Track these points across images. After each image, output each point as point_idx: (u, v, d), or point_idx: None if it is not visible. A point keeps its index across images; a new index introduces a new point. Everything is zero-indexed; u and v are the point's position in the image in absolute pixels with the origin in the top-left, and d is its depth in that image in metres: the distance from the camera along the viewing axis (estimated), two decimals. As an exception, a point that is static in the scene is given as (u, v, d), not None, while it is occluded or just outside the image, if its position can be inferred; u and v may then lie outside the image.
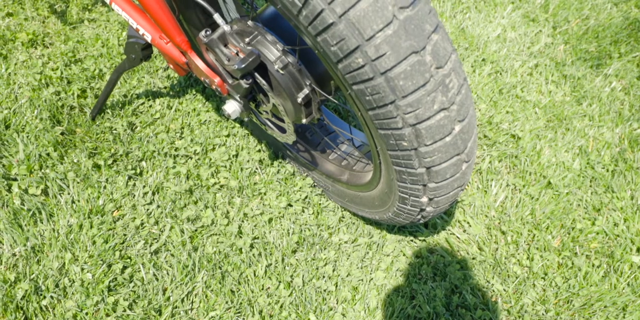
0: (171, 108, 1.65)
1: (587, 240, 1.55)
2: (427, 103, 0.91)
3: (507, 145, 1.71)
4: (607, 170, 1.71)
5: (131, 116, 1.62)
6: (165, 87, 1.69)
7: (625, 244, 1.54)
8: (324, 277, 1.40)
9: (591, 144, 1.76)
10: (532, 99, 1.84)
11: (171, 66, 1.33)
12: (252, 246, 1.42)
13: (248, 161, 1.57)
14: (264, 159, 1.58)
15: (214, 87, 1.21)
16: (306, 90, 1.14)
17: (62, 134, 1.54)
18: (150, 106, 1.65)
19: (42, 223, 1.39)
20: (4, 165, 1.47)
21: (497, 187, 1.61)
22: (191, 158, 1.56)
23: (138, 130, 1.60)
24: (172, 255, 1.39)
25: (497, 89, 1.84)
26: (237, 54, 1.10)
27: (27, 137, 1.52)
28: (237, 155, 1.58)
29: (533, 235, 1.53)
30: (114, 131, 1.58)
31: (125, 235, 1.40)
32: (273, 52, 1.11)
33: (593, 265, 1.50)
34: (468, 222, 1.54)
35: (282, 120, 1.26)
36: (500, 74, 1.90)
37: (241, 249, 1.41)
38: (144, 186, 1.49)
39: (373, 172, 1.22)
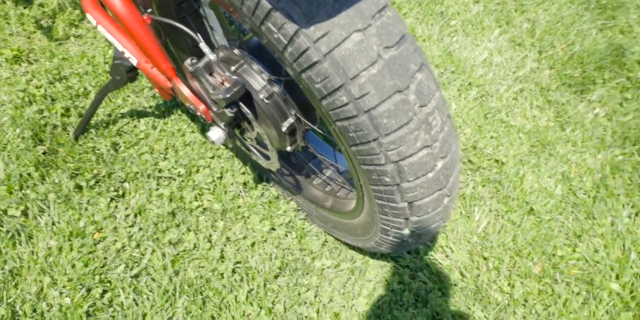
0: (156, 128, 1.64)
1: (568, 266, 1.56)
2: (410, 141, 0.91)
3: (491, 171, 1.72)
4: (589, 197, 1.72)
5: (115, 136, 1.61)
6: (150, 107, 1.69)
7: (605, 271, 1.55)
8: (305, 303, 1.39)
9: (573, 170, 1.77)
10: (516, 124, 1.85)
11: (156, 90, 1.33)
12: (234, 271, 1.42)
13: (232, 184, 1.57)
14: (248, 181, 1.58)
15: (198, 113, 1.20)
16: (291, 120, 1.14)
17: (44, 153, 1.53)
18: (135, 126, 1.64)
19: (21, 245, 1.38)
20: (-17, 185, 1.45)
21: (480, 213, 1.62)
22: (175, 180, 1.55)
23: (122, 151, 1.59)
24: (153, 279, 1.37)
25: (482, 113, 1.85)
26: (222, 83, 1.09)
27: (8, 156, 1.50)
28: (221, 178, 1.57)
29: (514, 261, 1.54)
30: (97, 151, 1.57)
31: (105, 258, 1.39)
32: (259, 81, 1.11)
33: (573, 292, 1.51)
34: (450, 248, 1.54)
35: (267, 148, 1.25)
36: (486, 98, 1.92)
37: (223, 274, 1.40)
38: (126, 208, 1.48)
39: (356, 202, 1.22)
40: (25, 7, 1.85)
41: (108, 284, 1.35)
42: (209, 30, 1.40)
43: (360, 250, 1.51)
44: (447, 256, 1.54)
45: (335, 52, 0.82)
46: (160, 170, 1.57)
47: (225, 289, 1.38)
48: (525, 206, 1.65)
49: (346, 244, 1.51)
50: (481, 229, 1.59)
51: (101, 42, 1.81)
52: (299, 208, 1.54)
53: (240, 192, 1.56)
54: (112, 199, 1.49)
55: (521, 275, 1.52)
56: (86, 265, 1.36)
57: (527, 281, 1.51)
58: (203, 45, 1.09)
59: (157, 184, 1.53)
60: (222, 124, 1.18)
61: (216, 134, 1.20)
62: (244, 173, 1.60)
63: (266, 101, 1.10)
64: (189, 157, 1.59)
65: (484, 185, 1.69)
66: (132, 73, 1.38)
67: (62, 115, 1.61)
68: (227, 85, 1.08)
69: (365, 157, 0.95)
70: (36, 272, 1.34)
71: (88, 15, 1.26)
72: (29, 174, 1.49)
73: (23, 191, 1.46)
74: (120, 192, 1.51)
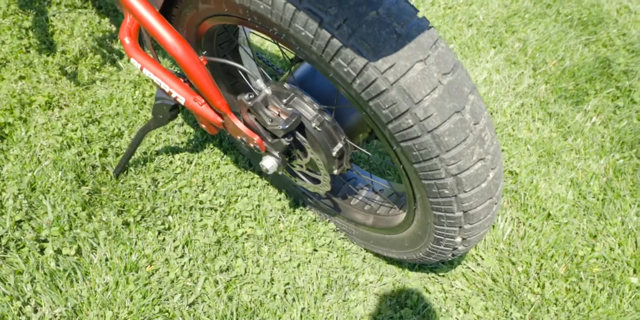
0: (191, 163, 1.72)
1: (589, 265, 1.67)
2: (468, 155, 1.02)
3: (507, 181, 1.84)
4: (598, 199, 1.85)
5: (153, 172, 1.68)
6: (182, 143, 1.77)
7: (623, 267, 1.67)
8: (356, 317, 1.47)
9: (580, 176, 1.90)
10: (523, 136, 1.99)
11: (203, 126, 1.41)
12: (285, 292, 1.49)
13: (271, 210, 1.65)
14: (285, 207, 1.66)
15: (252, 145, 1.29)
16: (340, 144, 1.24)
17: (88, 193, 1.59)
18: (171, 162, 1.71)
19: (78, 282, 1.43)
20: (33, 228, 1.50)
21: (503, 222, 1.73)
22: (216, 210, 1.63)
23: (161, 186, 1.66)
24: (209, 306, 1.44)
25: (490, 128, 1.99)
26: (278, 115, 1.19)
27: (54, 198, 1.56)
28: (259, 206, 1.65)
29: (541, 264, 1.65)
30: (139, 188, 1.64)
31: (161, 289, 1.45)
32: (310, 111, 1.21)
33: (597, 289, 1.62)
34: (481, 256, 1.64)
35: (315, 173, 1.34)
36: (492, 114, 2.05)
37: (275, 295, 1.47)
38: (174, 240, 1.54)
39: (405, 216, 1.31)
40: (48, 55, 1.92)
41: (167, 314, 1.41)
42: (251, 69, 1.50)
43: (398, 263, 1.59)
44: (478, 264, 1.63)
45: (401, 81, 0.93)
46: (201, 202, 1.64)
47: (279, 309, 1.45)
48: (542, 212, 1.77)
49: (384, 258, 1.60)
50: (506, 236, 1.70)
51: (126, 84, 1.89)
52: (338, 228, 1.63)
53: (280, 217, 1.64)
54: (159, 232, 1.55)
55: (549, 277, 1.62)
56: (144, 297, 1.42)
57: (555, 281, 1.61)
58: (259, 82, 1.19)
59: (201, 215, 1.61)
60: (276, 153, 1.27)
61: (270, 162, 1.29)
62: (279, 199, 1.68)
63: (318, 129, 1.20)
64: (227, 188, 1.67)
65: (502, 195, 1.81)
66: (174, 111, 1.46)
67: (101, 155, 1.68)
68: (283, 116, 1.18)
69: (427, 172, 1.05)
70: (97, 307, 1.39)
71: (132, 60, 1.34)
72: (76, 214, 1.54)
73: (73, 231, 1.51)
74: (166, 226, 1.57)
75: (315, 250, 1.59)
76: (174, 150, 1.75)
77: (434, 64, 0.95)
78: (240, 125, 1.27)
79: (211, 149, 1.77)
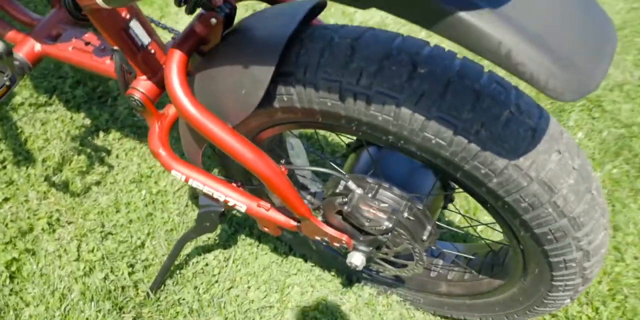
0: (228, 260, 1.59)
1: (628, 278, 1.74)
2: (597, 228, 1.03)
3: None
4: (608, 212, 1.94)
5: (192, 280, 1.54)
6: (209, 239, 1.63)
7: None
8: None
9: None
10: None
11: (266, 229, 1.31)
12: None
13: (327, 294, 1.57)
14: (339, 287, 1.59)
15: (337, 244, 1.22)
16: (429, 228, 1.20)
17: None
18: (206, 264, 1.58)
19: None
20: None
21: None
22: (272, 307, 1.52)
23: (204, 293, 1.52)
24: None
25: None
26: (374, 213, 1.13)
27: (96, 334, 1.38)
28: (314, 291, 1.57)
29: (587, 290, 1.70)
30: (183, 301, 1.49)
31: None
32: (399, 202, 1.16)
33: (642, 302, 1.70)
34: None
35: (398, 258, 1.29)
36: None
37: None
38: (243, 351, 1.43)
39: (503, 285, 1.30)
40: (28, 167, 1.70)
41: None
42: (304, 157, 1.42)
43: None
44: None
45: (541, 174, 0.92)
46: (252, 302, 1.53)
47: None
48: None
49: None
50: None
51: (126, 184, 1.72)
52: (402, 299, 1.58)
53: (340, 299, 1.57)
54: (225, 347, 1.43)
55: (600, 301, 1.68)
56: None
57: (607, 303, 1.67)
58: (351, 184, 1.13)
59: (260, 317, 1.49)
60: (366, 248, 1.21)
61: (359, 259, 1.23)
62: (330, 280, 1.61)
63: (411, 218, 1.16)
64: (274, 280, 1.57)
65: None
66: (223, 217, 1.35)
67: (129, 273, 1.51)
68: (381, 215, 1.12)
69: (558, 251, 1.04)
70: None
71: (173, 172, 1.22)
72: (128, 348, 1.38)
73: (133, 368, 1.35)
74: (230, 337, 1.45)
75: (387, 326, 1.54)
76: (205, 249, 1.61)
77: (565, 150, 0.95)
78: (326, 227, 1.19)
79: (243, 239, 1.65)
